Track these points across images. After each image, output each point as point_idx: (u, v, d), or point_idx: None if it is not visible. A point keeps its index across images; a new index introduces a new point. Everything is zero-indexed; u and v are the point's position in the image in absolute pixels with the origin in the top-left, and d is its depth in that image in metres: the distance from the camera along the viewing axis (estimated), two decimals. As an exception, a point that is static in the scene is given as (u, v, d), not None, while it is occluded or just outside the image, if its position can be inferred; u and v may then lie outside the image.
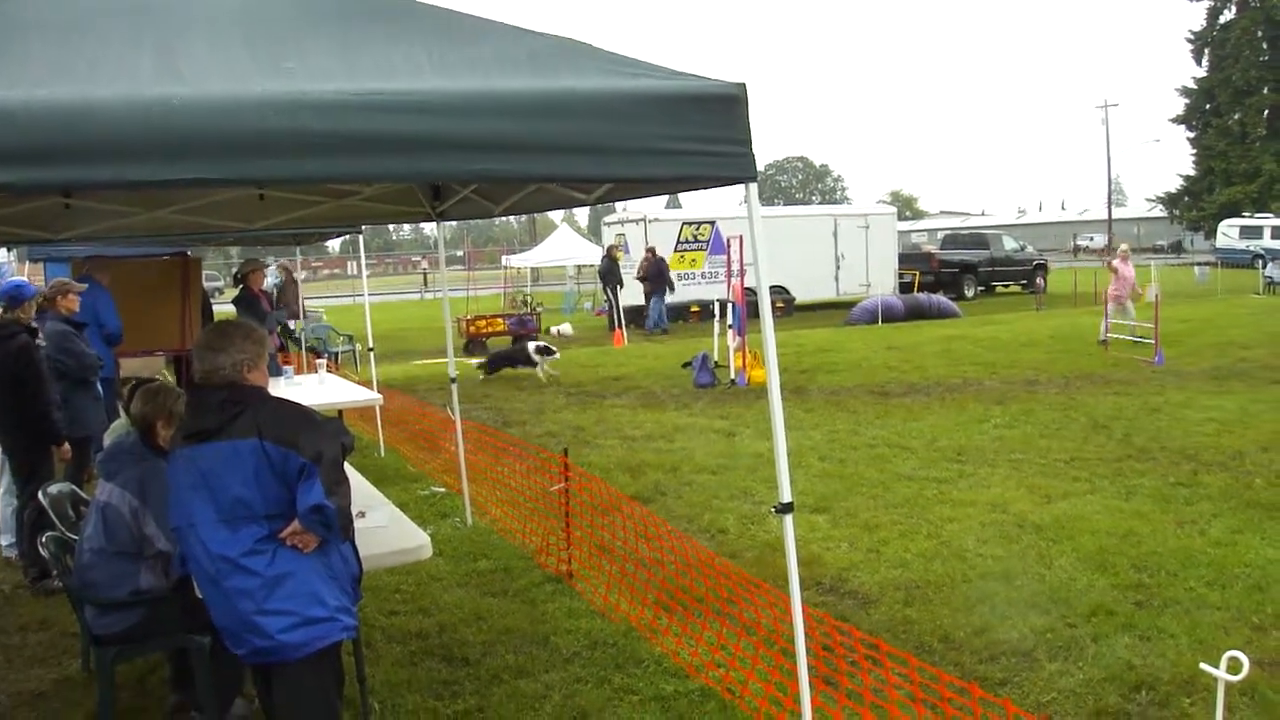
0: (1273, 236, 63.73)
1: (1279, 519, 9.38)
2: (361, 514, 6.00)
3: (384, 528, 6.24)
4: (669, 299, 31.07)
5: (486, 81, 3.93)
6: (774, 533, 8.95)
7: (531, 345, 20.75)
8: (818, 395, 16.87)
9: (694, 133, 4.17)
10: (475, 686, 6.36)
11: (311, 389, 11.92)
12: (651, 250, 31.56)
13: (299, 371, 14.34)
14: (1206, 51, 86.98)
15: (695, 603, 7.15)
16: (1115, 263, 23.26)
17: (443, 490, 11.21)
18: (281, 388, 10.92)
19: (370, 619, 7.34)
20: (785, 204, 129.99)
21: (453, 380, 10.08)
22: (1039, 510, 9.78)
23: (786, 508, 4.78)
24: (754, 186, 4.48)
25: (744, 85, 4.29)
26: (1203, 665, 4.46)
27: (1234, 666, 4.08)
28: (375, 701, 6.06)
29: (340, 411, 11.82)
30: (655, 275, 30.47)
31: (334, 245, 75.83)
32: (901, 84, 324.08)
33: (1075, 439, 12.87)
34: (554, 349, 21.05)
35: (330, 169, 3.65)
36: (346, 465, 4.69)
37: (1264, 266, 43.33)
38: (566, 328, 30.39)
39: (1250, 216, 69.99)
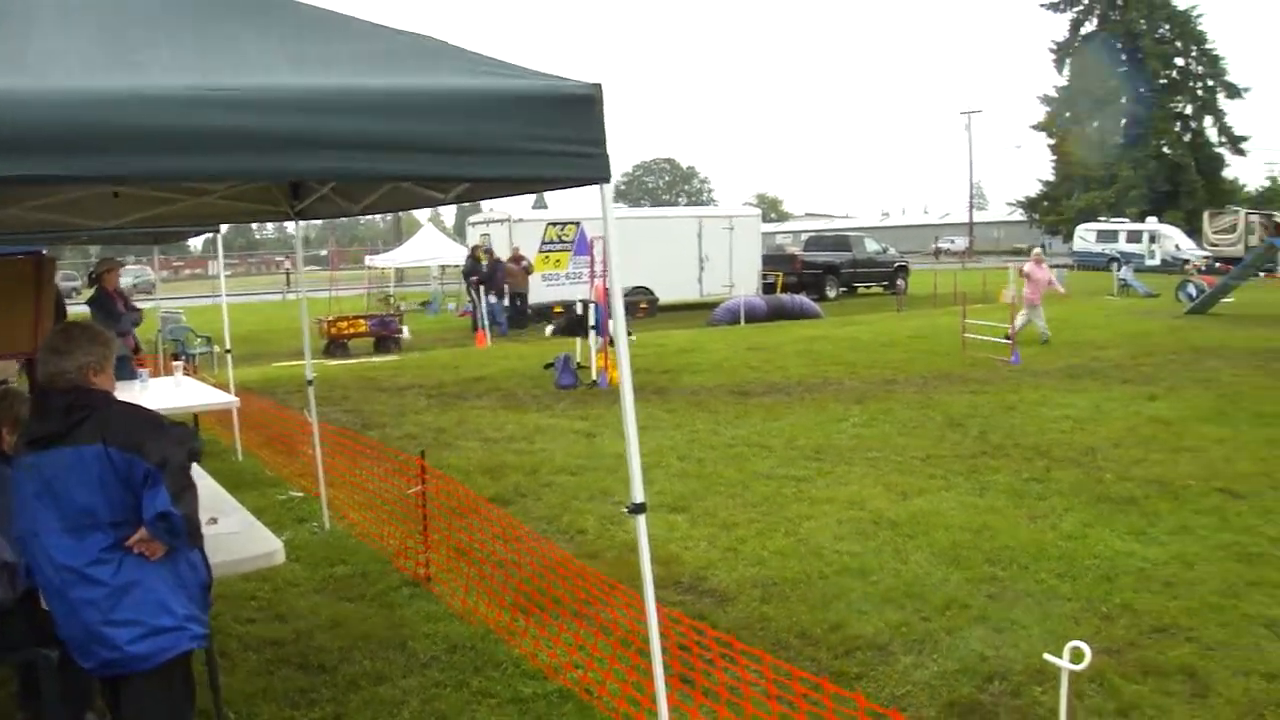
0: (1128, 240, 66.22)
1: (1128, 512, 9.82)
2: (213, 520, 5.92)
3: (236, 534, 6.16)
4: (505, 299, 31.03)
5: (343, 79, 3.92)
6: (633, 533, 9.00)
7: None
8: (679, 395, 17.06)
9: (549, 133, 4.19)
10: (332, 694, 6.33)
11: (167, 392, 11.69)
12: (489, 251, 31.58)
13: (155, 374, 14.04)
14: (1068, 61, 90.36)
15: (553, 604, 7.21)
16: (1028, 266, 24.13)
17: (300, 495, 11.09)
18: (136, 391, 10.71)
19: (225, 627, 7.23)
20: (652, 205, 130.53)
21: (309, 382, 9.99)
22: (895, 507, 10.05)
23: (639, 508, 4.86)
24: (609, 188, 4.53)
25: (599, 86, 4.33)
26: (1047, 655, 4.67)
27: (1077, 656, 4.26)
28: (230, 712, 5.96)
29: (196, 415, 11.61)
30: (489, 276, 30.43)
31: (196, 244, 74.14)
32: (770, 88, 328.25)
33: (932, 437, 13.25)
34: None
35: (180, 166, 3.58)
36: (199, 470, 4.66)
37: (1118, 269, 44.98)
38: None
39: (1106, 221, 72.60)
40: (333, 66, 4.03)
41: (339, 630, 7.35)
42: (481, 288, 30.14)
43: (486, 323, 29.21)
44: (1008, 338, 21.11)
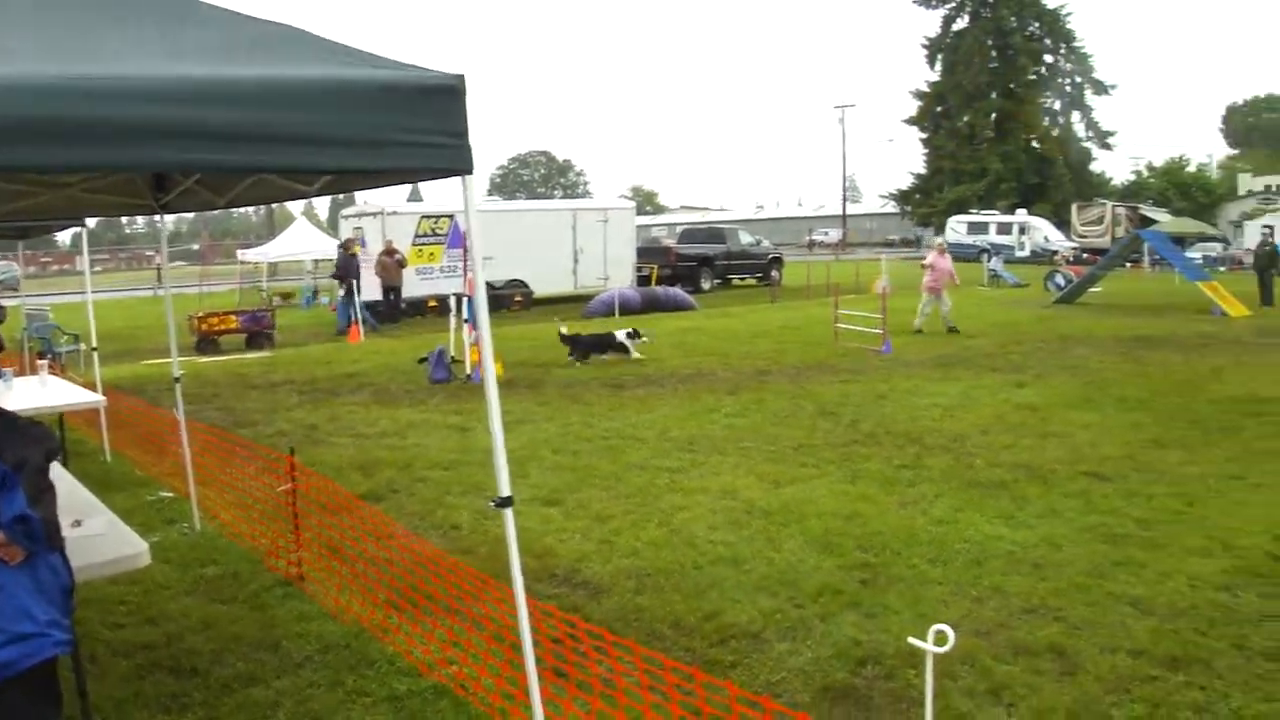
0: (998, 232, 67.85)
1: (998, 497, 10.06)
2: (77, 523, 5.73)
3: (100, 536, 5.96)
4: (370, 296, 30.56)
5: (203, 68, 3.80)
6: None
7: (620, 332, 21.15)
8: (553, 388, 17.01)
9: (411, 124, 4.16)
10: (205, 697, 6.16)
11: (32, 391, 11.33)
12: (346, 244, 31.17)
13: (20, 373, 13.58)
14: (940, 57, 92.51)
15: (426, 600, 7.12)
16: (931, 257, 24.86)
17: (171, 495, 10.81)
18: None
19: (94, 632, 7.01)
20: (528, 198, 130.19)
21: (177, 380, 9.73)
22: (768, 496, 10.15)
23: (506, 502, 4.80)
24: (471, 179, 4.50)
25: (462, 77, 4.29)
26: (911, 639, 4.73)
27: (940, 639, 4.32)
28: (99, 719, 5.83)
29: (62, 415, 11.25)
30: (347, 273, 29.93)
31: (64, 239, 71.89)
32: (647, 81, 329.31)
33: (804, 426, 13.40)
34: (642, 333, 21.52)
35: (38, 157, 3.45)
36: (61, 472, 4.50)
37: (989, 260, 46.06)
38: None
39: (977, 213, 74.26)
40: (195, 55, 3.93)
41: (211, 632, 7.17)
42: (354, 282, 29.67)
43: (359, 317, 28.79)
44: (918, 331, 21.58)
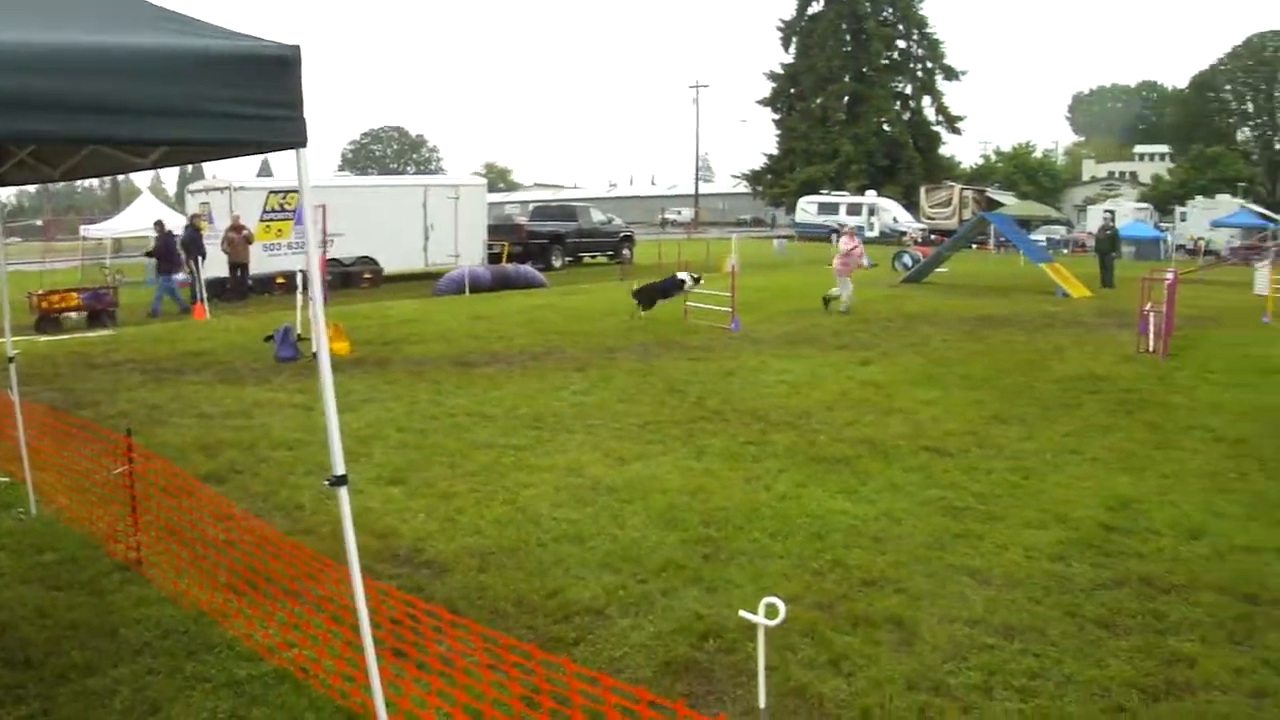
0: (848, 213, 69.01)
1: (840, 472, 10.26)
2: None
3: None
4: (183, 275, 29.76)
5: (25, 33, 3.67)
6: (351, 507, 8.85)
7: (682, 274, 23.22)
8: (401, 366, 16.81)
9: (243, 95, 4.07)
10: (40, 689, 5.94)
11: None
12: (159, 223, 30.41)
13: None
14: (795, 39, 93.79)
15: (266, 583, 6.99)
16: (841, 241, 25.39)
17: (6, 480, 10.41)
18: None
19: (-76, 624, 6.76)
20: (380, 174, 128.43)
21: (10, 360, 9.37)
22: (613, 472, 10.18)
23: (340, 480, 4.74)
24: (305, 152, 4.42)
25: (297, 48, 4.20)
26: (742, 613, 4.79)
27: (771, 612, 4.38)
28: (-71, 715, 5.60)
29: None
30: (164, 252, 29.11)
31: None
32: (503, 57, 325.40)
33: (651, 403, 13.48)
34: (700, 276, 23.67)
35: None
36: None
37: (838, 240, 46.71)
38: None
39: (828, 194, 75.45)
40: (14, 21, 3.79)
41: (46, 621, 6.93)
42: (199, 259, 28.86)
43: (202, 295, 28.05)
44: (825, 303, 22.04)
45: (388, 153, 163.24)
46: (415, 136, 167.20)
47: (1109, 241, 36.77)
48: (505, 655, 5.16)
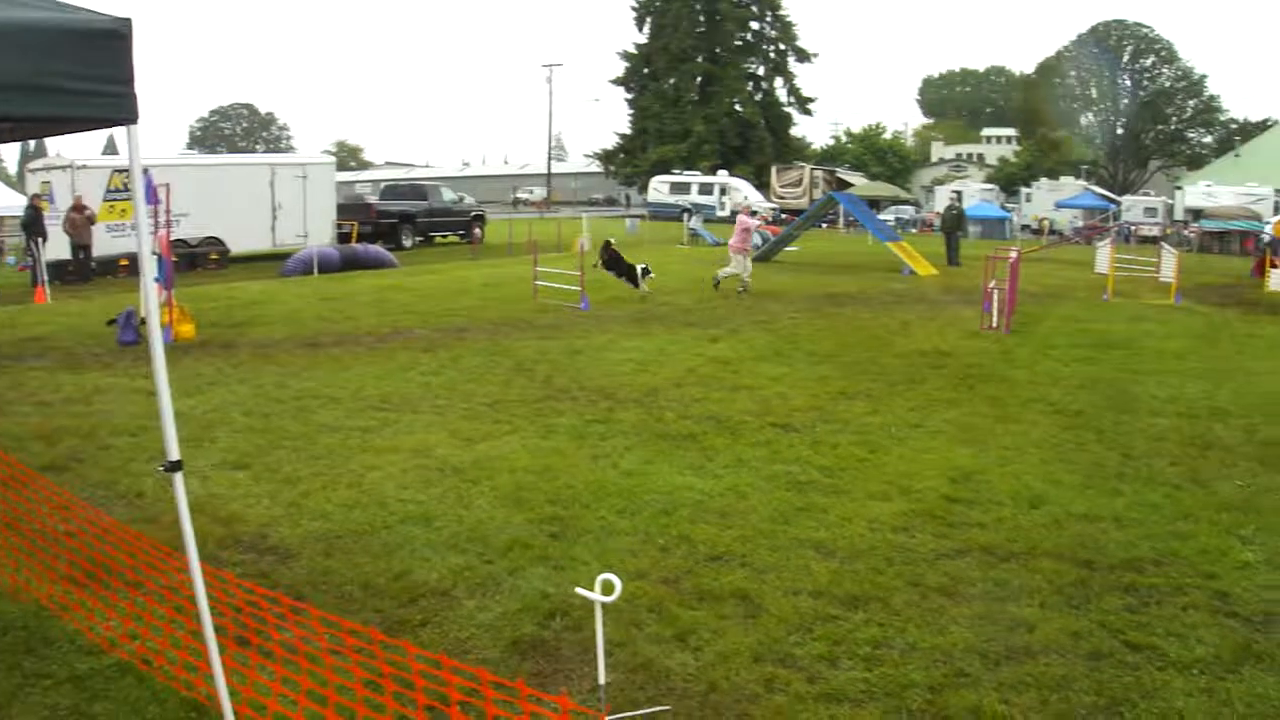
0: (700, 193, 69.53)
1: (687, 448, 10.32)
2: None
3: None
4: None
5: None
6: (194, 493, 8.68)
7: (640, 266, 23.77)
8: (247, 349, 16.44)
9: (72, 69, 3.93)
10: None
11: None
12: (34, 199, 29.43)
13: None
14: (648, 19, 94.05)
15: (107, 575, 6.77)
16: (741, 218, 25.42)
17: None
18: None
19: None
20: (229, 152, 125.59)
21: None
22: (460, 453, 10.09)
23: (175, 466, 4.60)
24: (136, 129, 4.28)
25: (128, 21, 4.06)
26: (579, 589, 4.78)
27: (607, 588, 4.37)
28: None
29: None
30: (34, 225, 28.19)
31: None
32: (355, 34, 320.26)
33: (499, 383, 13.40)
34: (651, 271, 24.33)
35: None
36: None
37: (689, 220, 47.10)
38: None
39: (680, 174, 75.87)
40: None
41: None
42: (40, 240, 27.85)
43: (43, 278, 27.10)
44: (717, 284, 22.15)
45: (237, 130, 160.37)
46: (265, 114, 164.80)
47: (954, 221, 37.71)
48: (347, 640, 5.08)
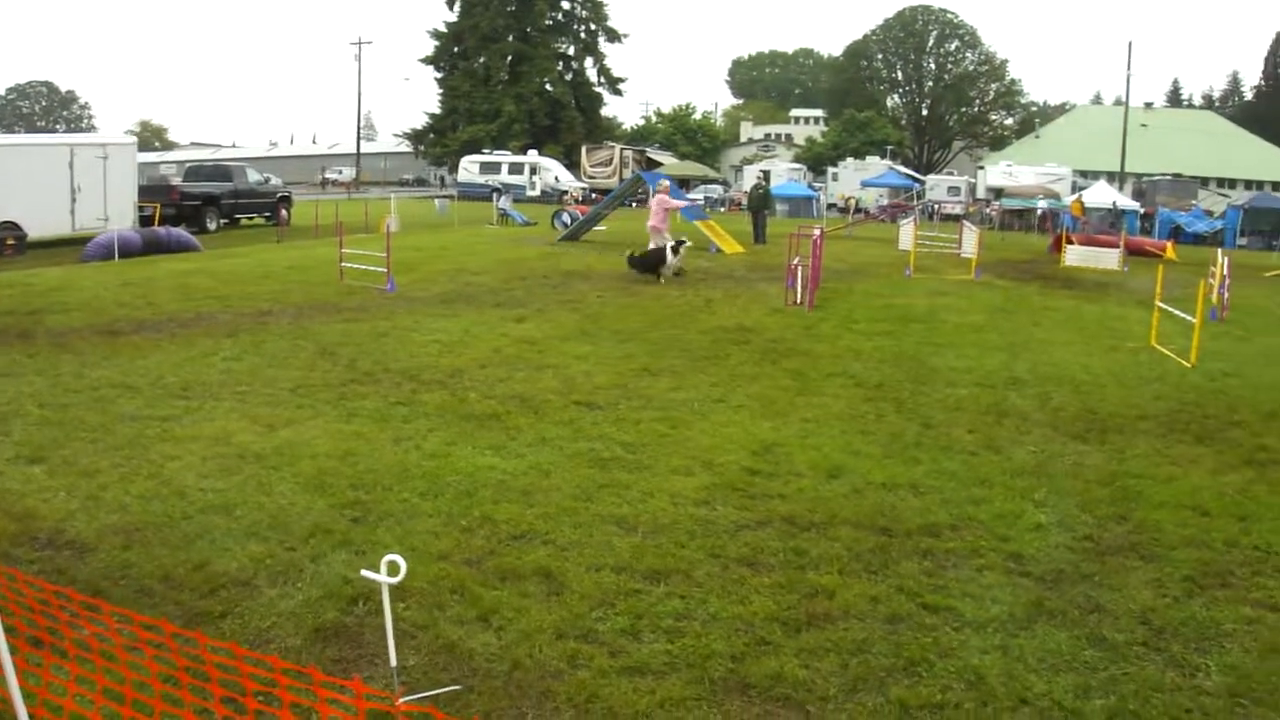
0: (510, 172, 69.32)
1: (490, 429, 10.31)
2: None
3: None
4: None
5: None
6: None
7: (669, 245, 23.87)
8: (43, 338, 15.77)
9: None
10: None
11: None
12: None
13: None
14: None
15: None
16: (661, 196, 25.89)
17: None
18: None
19: None
20: (28, 132, 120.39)
21: None
22: (261, 439, 9.88)
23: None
24: None
25: None
26: (364, 571, 4.74)
27: (392, 569, 4.35)
28: None
29: None
30: None
31: None
32: (156, 9, 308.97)
33: (302, 367, 13.14)
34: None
35: None
36: None
37: (498, 200, 46.95)
38: None
39: (490, 153, 75.54)
40: None
41: None
42: None
43: None
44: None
45: (36, 110, 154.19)
46: (65, 93, 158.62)
47: (761, 200, 38.41)
48: (141, 635, 4.94)
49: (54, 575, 6.50)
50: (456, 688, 5.39)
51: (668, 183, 28.51)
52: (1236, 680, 5.69)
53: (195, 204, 40.64)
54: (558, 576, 6.78)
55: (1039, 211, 56.39)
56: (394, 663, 4.60)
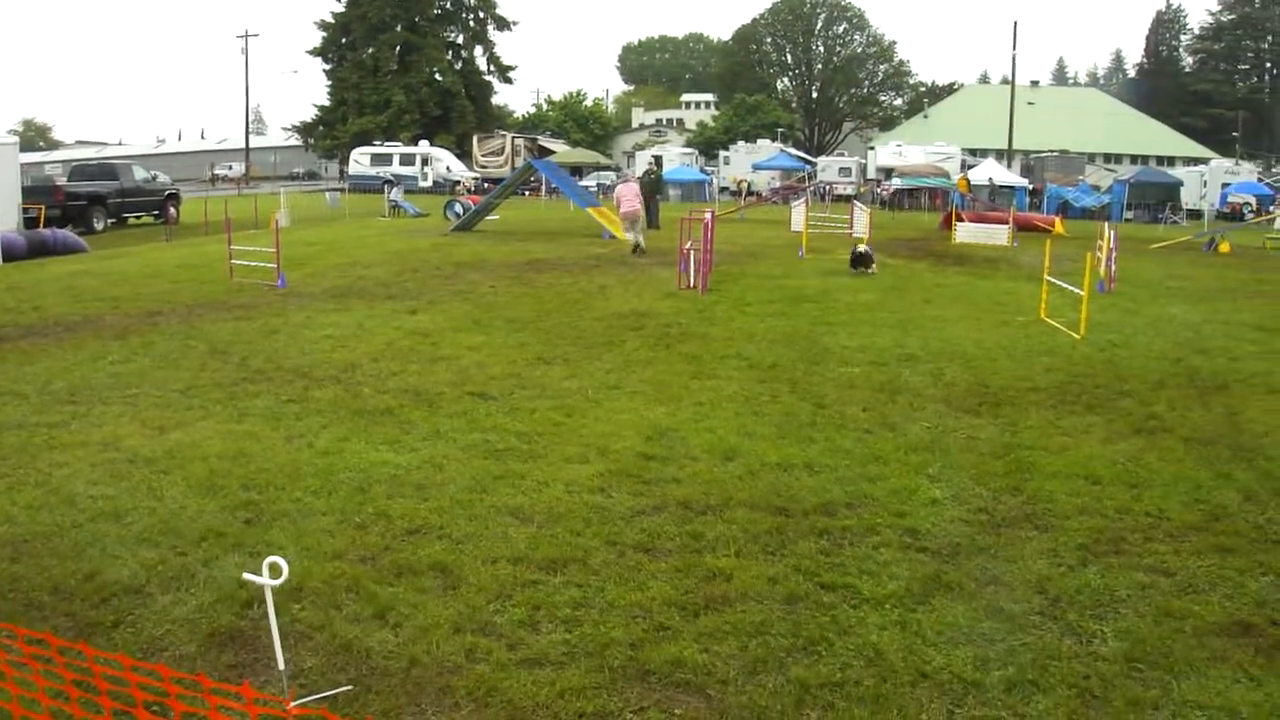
0: (401, 164, 68.84)
1: (384, 423, 10.20)
2: None
3: None
4: None
5: None
6: None
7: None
8: (-78, 347, 15.37)
9: None
10: None
11: None
12: None
13: None
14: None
15: None
16: (621, 188, 27.17)
17: None
18: None
19: None
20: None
21: None
22: (151, 443, 9.66)
23: None
24: None
25: None
26: (246, 575, 4.67)
27: (275, 571, 4.28)
28: None
29: None
30: None
31: None
32: (38, 3, 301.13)
33: (193, 367, 12.89)
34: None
35: None
36: None
37: (389, 191, 46.62)
38: None
39: (380, 145, 74.93)
40: None
41: None
42: None
43: None
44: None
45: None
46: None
47: (653, 185, 38.42)
48: (22, 648, 4.80)
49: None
50: (349, 688, 5.32)
51: (629, 172, 28.95)
52: (1132, 645, 5.80)
53: (81, 204, 39.71)
54: (454, 570, 6.72)
55: (931, 190, 57.27)
56: (282, 665, 4.53)
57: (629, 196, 27.82)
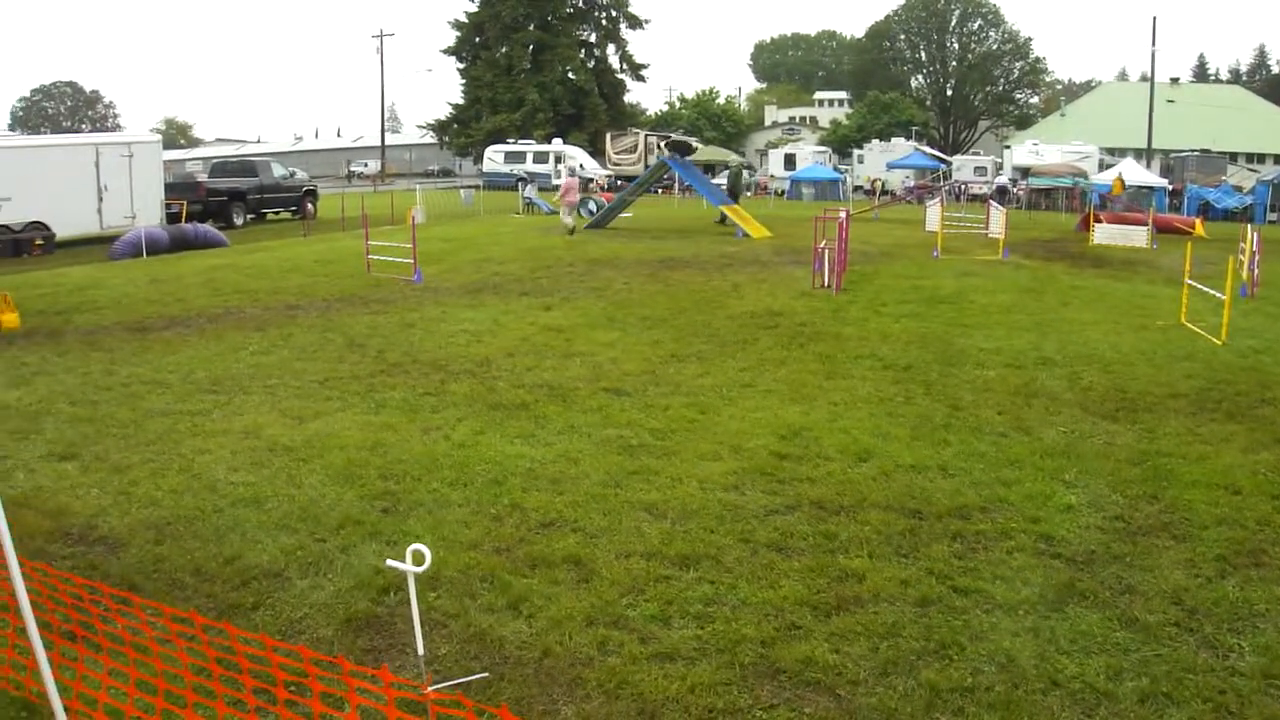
0: (535, 161, 69.30)
1: (519, 417, 10.32)
2: None
3: None
4: None
5: None
6: (20, 487, 8.42)
7: None
8: (73, 337, 15.87)
9: None
10: None
11: None
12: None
13: None
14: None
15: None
16: (567, 180, 26.35)
17: None
18: None
19: None
20: (53, 132, 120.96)
21: None
22: (291, 432, 9.92)
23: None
24: None
25: None
26: (389, 562, 4.75)
27: (417, 559, 4.36)
28: None
29: None
30: None
31: None
32: (179, 6, 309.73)
33: (331, 359, 13.19)
34: None
35: None
36: None
37: (524, 189, 46.99)
38: None
39: (514, 143, 75.56)
40: None
41: None
42: None
43: None
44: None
45: (61, 110, 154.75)
46: (90, 92, 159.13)
47: (734, 180, 39.64)
48: (173, 627, 4.98)
49: (87, 570, 6.53)
50: (485, 675, 5.41)
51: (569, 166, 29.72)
52: (1270, 661, 5.64)
53: (221, 200, 40.76)
54: (587, 563, 6.79)
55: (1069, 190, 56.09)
56: (421, 651, 4.63)
57: (573, 189, 32.30)
